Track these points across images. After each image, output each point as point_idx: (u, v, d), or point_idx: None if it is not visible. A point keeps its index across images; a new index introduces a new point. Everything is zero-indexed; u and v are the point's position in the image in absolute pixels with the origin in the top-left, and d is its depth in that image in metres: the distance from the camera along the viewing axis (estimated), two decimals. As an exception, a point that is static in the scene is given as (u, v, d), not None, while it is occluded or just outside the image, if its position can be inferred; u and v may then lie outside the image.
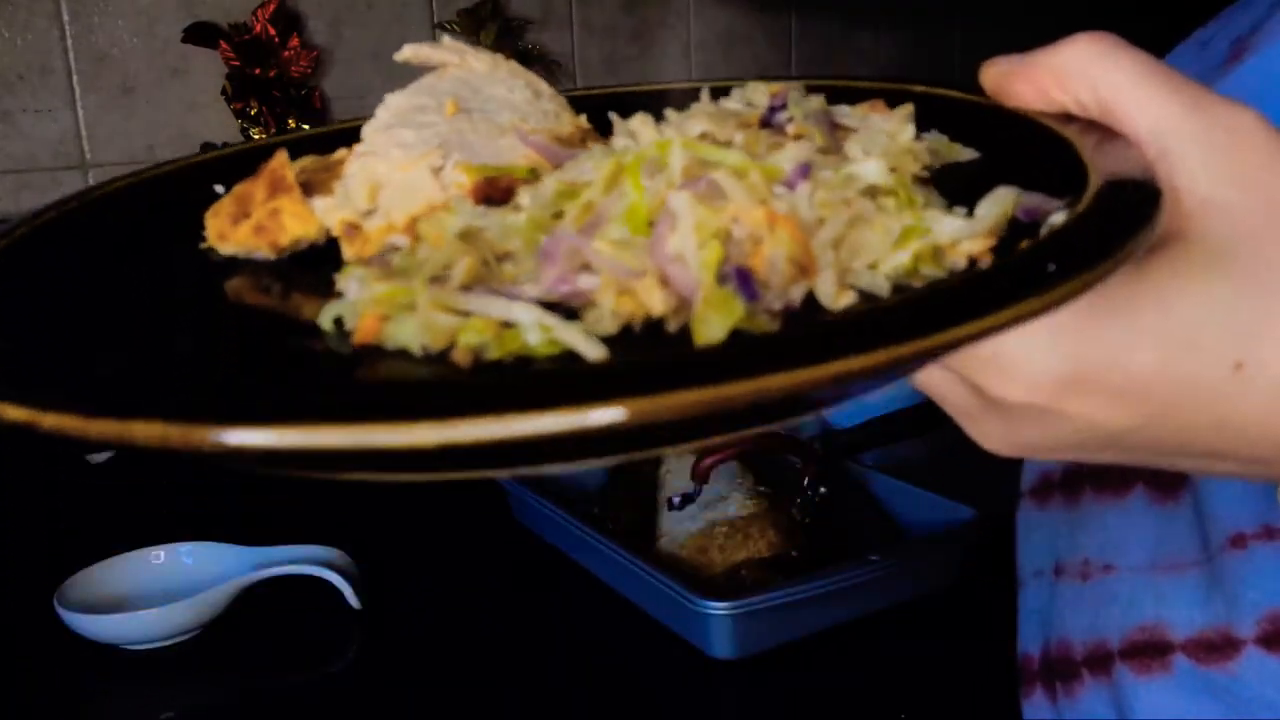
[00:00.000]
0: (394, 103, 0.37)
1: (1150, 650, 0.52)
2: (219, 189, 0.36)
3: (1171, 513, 0.51)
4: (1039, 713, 0.61)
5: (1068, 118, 0.32)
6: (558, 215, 0.28)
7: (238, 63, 1.20)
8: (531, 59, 1.37)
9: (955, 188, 0.30)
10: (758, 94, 0.35)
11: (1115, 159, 0.28)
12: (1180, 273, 0.28)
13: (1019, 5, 1.82)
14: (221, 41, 1.19)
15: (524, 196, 0.30)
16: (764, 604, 0.79)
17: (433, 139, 0.34)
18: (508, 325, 0.25)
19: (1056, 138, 0.31)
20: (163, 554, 0.89)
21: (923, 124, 0.34)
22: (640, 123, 0.32)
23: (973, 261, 0.27)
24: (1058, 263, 0.23)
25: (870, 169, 0.29)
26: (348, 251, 0.33)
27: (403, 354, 0.25)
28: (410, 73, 0.38)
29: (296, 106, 1.23)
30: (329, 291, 0.28)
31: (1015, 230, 0.27)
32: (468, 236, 0.28)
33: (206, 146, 1.21)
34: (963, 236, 0.27)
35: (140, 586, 0.87)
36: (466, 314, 0.25)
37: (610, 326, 0.25)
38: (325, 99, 1.28)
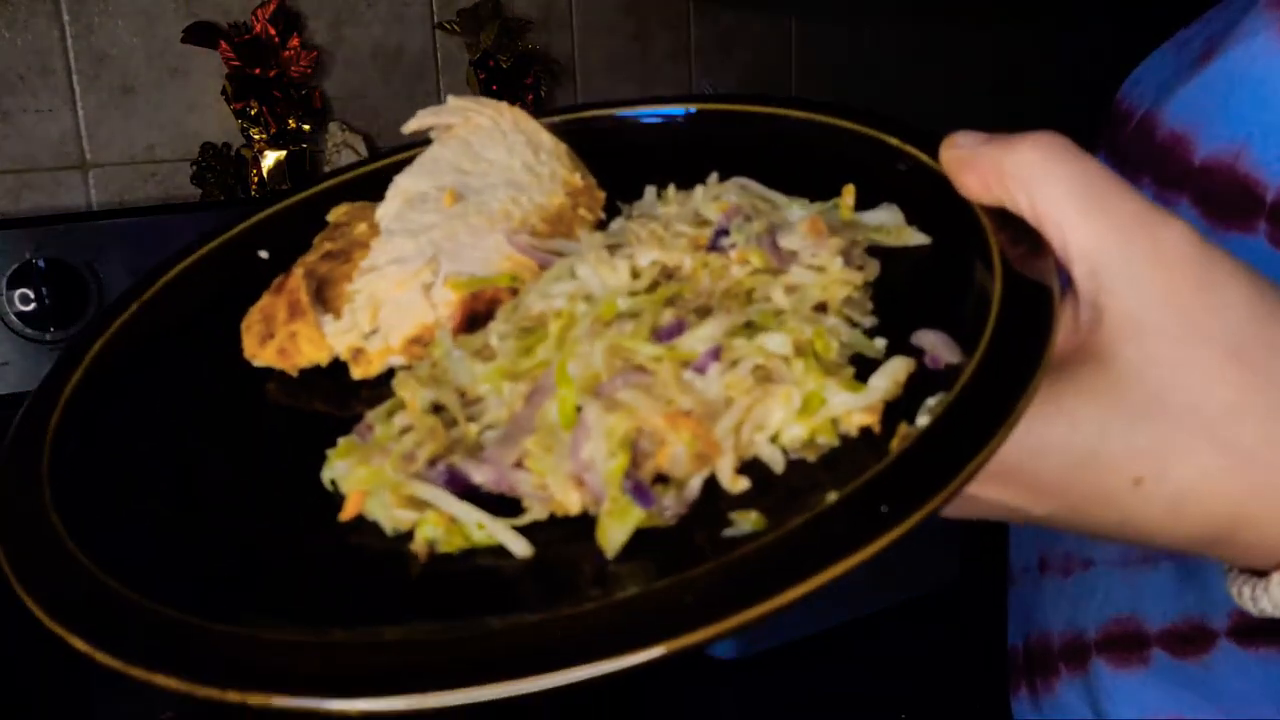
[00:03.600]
0: (402, 184, 0.42)
1: (1127, 642, 0.53)
2: (263, 254, 0.42)
3: None
4: (1024, 710, 0.62)
5: (1006, 216, 0.34)
6: (528, 351, 0.34)
7: (238, 63, 1.20)
8: (531, 59, 1.37)
9: (899, 277, 0.35)
10: (709, 209, 0.39)
11: (1025, 292, 0.31)
12: (1088, 394, 0.31)
13: (1021, 5, 1.82)
14: (221, 41, 1.19)
15: (493, 334, 0.35)
16: (764, 604, 0.79)
17: (427, 247, 0.39)
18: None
19: (986, 247, 0.34)
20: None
21: (886, 192, 0.38)
22: (596, 259, 0.36)
23: (865, 430, 0.30)
24: (891, 503, 0.26)
25: (775, 343, 0.32)
26: (355, 372, 0.39)
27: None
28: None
29: (296, 106, 1.23)
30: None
31: (924, 376, 0.31)
32: (436, 382, 0.34)
33: (206, 147, 1.21)
34: (855, 409, 0.30)
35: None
36: (424, 505, 0.31)
37: (542, 514, 0.31)
38: (325, 99, 1.27)
